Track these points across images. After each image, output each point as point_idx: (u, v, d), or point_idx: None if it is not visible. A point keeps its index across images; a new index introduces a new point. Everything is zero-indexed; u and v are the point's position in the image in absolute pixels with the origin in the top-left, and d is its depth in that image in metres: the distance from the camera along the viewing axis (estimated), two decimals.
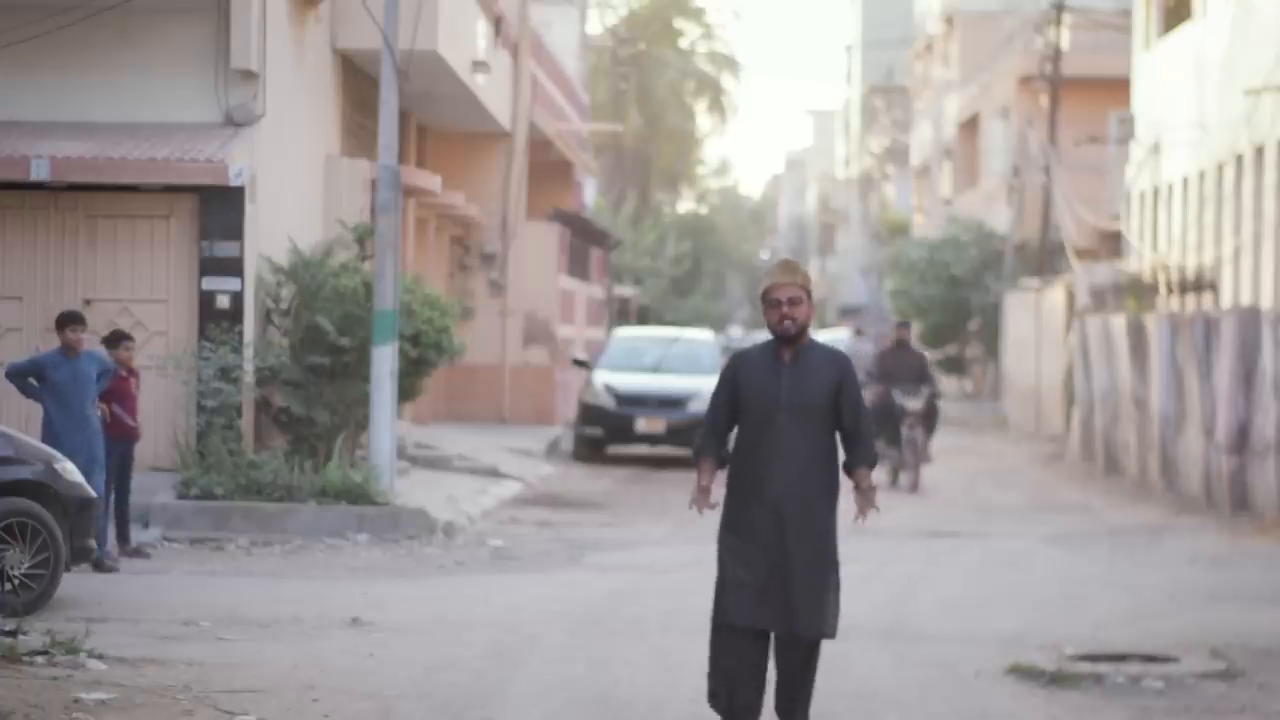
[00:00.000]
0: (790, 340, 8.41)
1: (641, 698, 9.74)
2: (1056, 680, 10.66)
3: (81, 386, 14.11)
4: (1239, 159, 25.56)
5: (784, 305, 8.37)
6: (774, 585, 8.30)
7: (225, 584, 13.84)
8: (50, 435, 13.76)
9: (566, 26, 42.46)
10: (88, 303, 17.77)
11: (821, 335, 76.20)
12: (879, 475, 21.22)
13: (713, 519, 8.48)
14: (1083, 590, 14.71)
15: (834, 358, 8.48)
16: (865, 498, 8.44)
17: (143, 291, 17.92)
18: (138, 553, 15.01)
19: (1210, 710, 10.03)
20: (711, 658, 8.47)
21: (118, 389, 14.81)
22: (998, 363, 41.64)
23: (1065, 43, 39.70)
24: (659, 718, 9.44)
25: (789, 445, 8.33)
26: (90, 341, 14.84)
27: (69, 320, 14.28)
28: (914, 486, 23.26)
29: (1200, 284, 27.27)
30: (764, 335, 8.77)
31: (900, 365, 23.77)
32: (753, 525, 8.35)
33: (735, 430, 8.48)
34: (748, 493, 8.43)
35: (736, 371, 8.52)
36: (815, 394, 8.37)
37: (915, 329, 51.60)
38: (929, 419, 23.70)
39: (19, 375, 14.25)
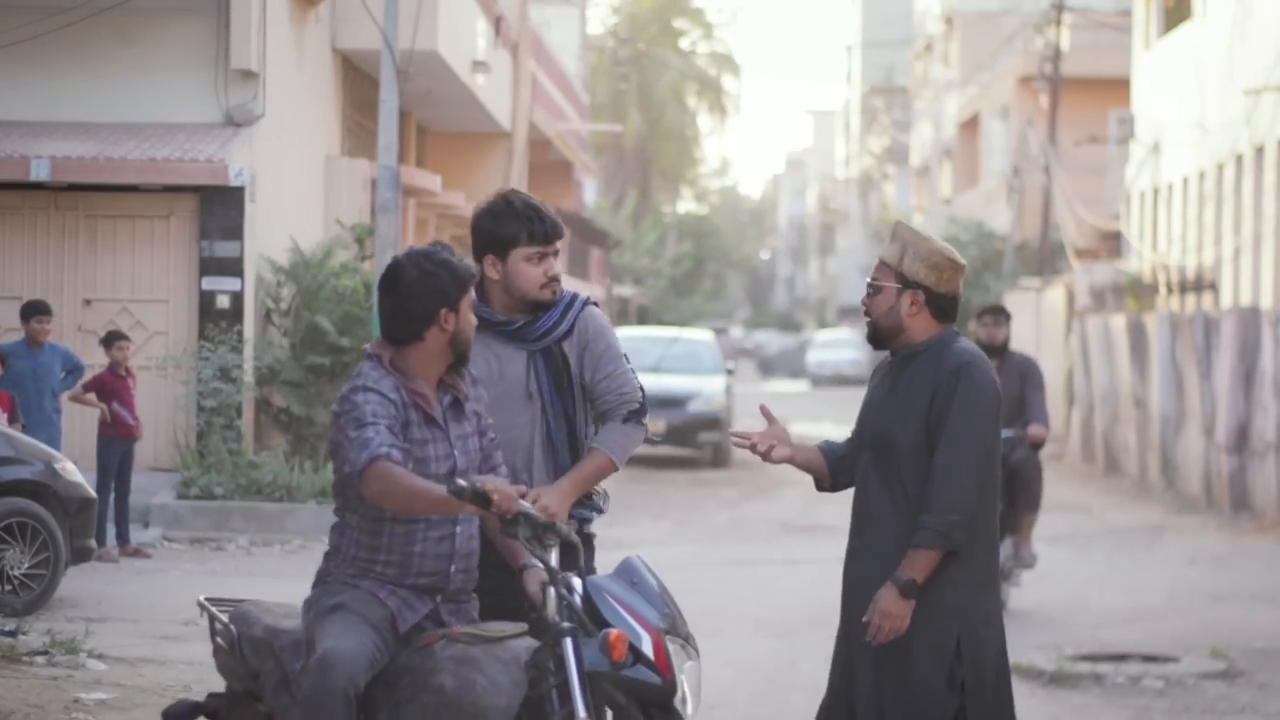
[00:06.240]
0: (880, 343, 5.73)
1: None
2: (1056, 680, 10.67)
3: (42, 379, 13.98)
4: (1239, 159, 25.55)
5: (868, 293, 5.77)
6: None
7: (225, 584, 13.80)
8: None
9: (566, 26, 42.42)
10: (88, 303, 17.78)
11: (822, 335, 75.99)
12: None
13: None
14: (1083, 590, 14.70)
15: (941, 362, 5.56)
16: (885, 613, 5.47)
17: (143, 291, 17.93)
18: (138, 552, 15.01)
19: (1210, 710, 10.03)
20: None
21: (117, 388, 14.78)
22: None
23: (1065, 43, 39.67)
24: None
25: (872, 507, 5.63)
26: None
27: (34, 310, 14.19)
28: None
29: (1200, 284, 27.25)
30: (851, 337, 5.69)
31: None
32: (847, 616, 5.73)
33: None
34: (846, 569, 5.80)
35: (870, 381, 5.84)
36: (902, 425, 5.56)
37: None
38: (1015, 487, 12.90)
39: None
